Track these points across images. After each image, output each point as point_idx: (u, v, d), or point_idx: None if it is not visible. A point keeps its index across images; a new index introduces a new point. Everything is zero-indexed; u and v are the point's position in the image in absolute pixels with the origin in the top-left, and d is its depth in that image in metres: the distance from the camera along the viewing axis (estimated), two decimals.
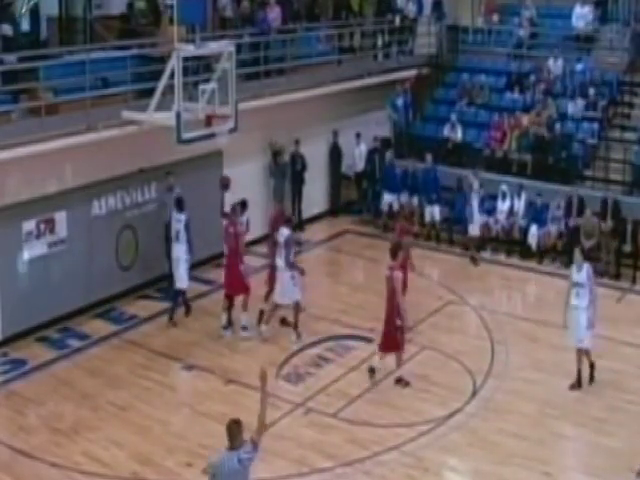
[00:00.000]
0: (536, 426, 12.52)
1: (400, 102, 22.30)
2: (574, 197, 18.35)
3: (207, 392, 13.37)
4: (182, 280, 15.80)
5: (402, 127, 22.30)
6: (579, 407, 13.12)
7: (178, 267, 15.74)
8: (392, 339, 13.55)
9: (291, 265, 14.92)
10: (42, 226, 15.06)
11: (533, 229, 18.55)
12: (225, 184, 16.42)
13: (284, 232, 15.08)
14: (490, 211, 19.15)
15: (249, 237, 16.51)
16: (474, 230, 18.80)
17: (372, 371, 13.75)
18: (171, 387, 13.59)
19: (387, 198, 20.25)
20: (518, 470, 11.51)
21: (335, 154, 21.47)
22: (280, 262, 14.99)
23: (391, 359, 13.74)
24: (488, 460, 11.74)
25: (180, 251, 15.71)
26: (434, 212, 19.79)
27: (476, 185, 18.81)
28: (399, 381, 13.66)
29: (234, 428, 8.64)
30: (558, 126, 20.24)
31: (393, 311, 13.48)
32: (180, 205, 15.70)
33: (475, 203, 18.69)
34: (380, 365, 13.78)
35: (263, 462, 11.37)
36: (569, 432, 12.46)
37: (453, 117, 21.18)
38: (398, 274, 13.57)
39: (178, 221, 15.68)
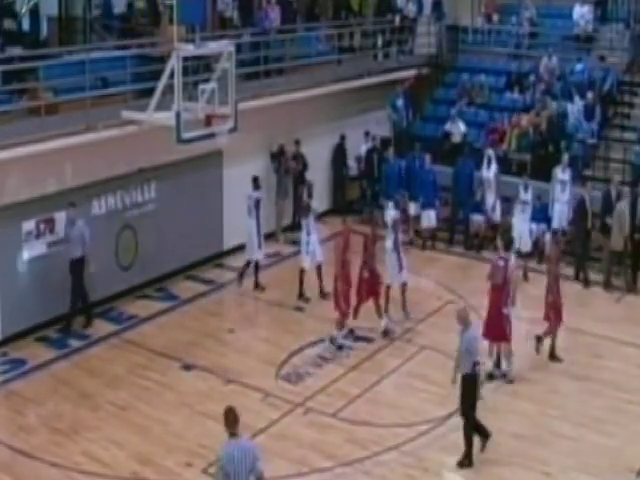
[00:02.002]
0: (536, 426, 12.54)
1: (400, 102, 22.29)
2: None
3: (207, 392, 13.36)
4: (249, 251, 16.91)
5: (402, 127, 22.30)
6: (579, 407, 13.13)
7: (248, 240, 16.81)
8: (501, 329, 13.66)
9: (398, 247, 15.68)
10: (42, 226, 15.06)
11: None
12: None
13: (391, 213, 15.91)
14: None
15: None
16: (525, 245, 18.01)
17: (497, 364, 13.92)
18: (171, 387, 13.55)
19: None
20: (518, 470, 11.52)
21: (339, 154, 21.46)
22: (389, 244, 15.68)
23: (392, 358, 13.76)
24: (488, 460, 11.72)
25: (250, 225, 16.77)
26: (430, 217, 19.44)
27: (523, 195, 18.25)
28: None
29: (232, 414, 8.77)
30: (558, 126, 20.23)
31: (501, 301, 13.56)
32: (255, 183, 17.07)
33: (521, 215, 18.12)
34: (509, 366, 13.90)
35: (263, 462, 11.52)
36: (569, 432, 12.42)
37: (453, 112, 21.21)
38: (513, 264, 13.74)
39: (249, 198, 16.91)
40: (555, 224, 18.19)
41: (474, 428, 11.72)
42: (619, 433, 12.37)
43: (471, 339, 11.74)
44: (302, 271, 16.74)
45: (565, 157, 18.69)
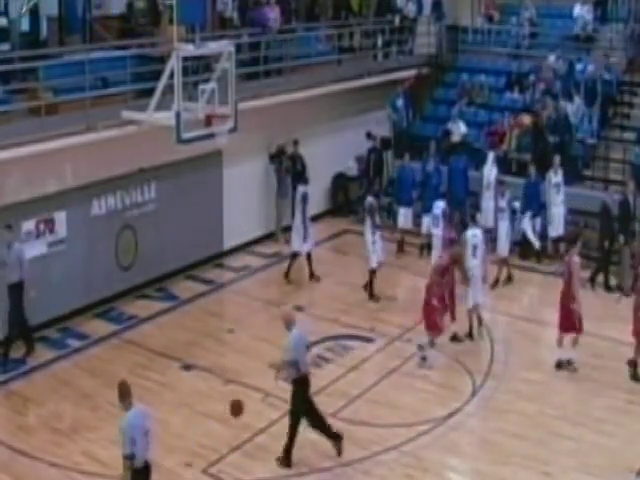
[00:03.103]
0: (536, 426, 12.53)
1: (400, 102, 22.31)
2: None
3: (206, 392, 13.38)
4: (295, 244, 17.49)
5: (402, 127, 22.29)
6: (579, 407, 13.13)
7: (294, 232, 17.52)
8: (570, 321, 13.84)
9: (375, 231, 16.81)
10: (42, 226, 15.07)
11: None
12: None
13: (369, 200, 17.04)
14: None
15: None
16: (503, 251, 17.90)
17: (569, 363, 14.05)
18: (170, 387, 13.56)
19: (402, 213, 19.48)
20: (518, 470, 11.52)
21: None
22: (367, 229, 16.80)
23: (392, 358, 13.76)
24: (488, 460, 11.76)
25: (297, 218, 17.50)
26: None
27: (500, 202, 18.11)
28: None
29: (124, 387, 9.83)
30: (556, 126, 20.21)
31: (569, 295, 13.77)
32: (303, 177, 18.24)
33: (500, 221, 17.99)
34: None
35: (263, 462, 11.58)
36: (569, 432, 12.41)
37: (454, 112, 21.20)
38: (575, 259, 13.89)
39: (297, 191, 17.69)
40: (553, 231, 18.21)
41: (321, 430, 11.72)
42: (619, 433, 12.37)
43: (296, 341, 11.58)
44: (372, 271, 16.76)
45: (557, 159, 18.63)
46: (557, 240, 18.46)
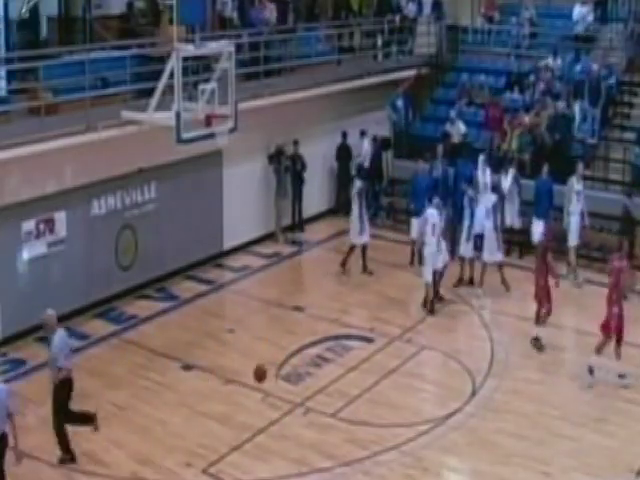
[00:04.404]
0: (535, 426, 12.52)
1: (400, 102, 22.31)
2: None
3: (206, 392, 13.38)
4: (353, 236, 17.78)
5: (402, 127, 22.29)
6: (578, 407, 13.13)
7: (352, 225, 17.80)
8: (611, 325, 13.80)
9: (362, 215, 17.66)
10: (42, 226, 15.07)
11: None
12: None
13: (358, 184, 17.88)
14: None
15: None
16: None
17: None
18: (170, 387, 13.55)
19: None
20: (517, 470, 11.51)
21: (343, 154, 21.42)
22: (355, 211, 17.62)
23: (391, 358, 13.73)
24: (487, 460, 11.74)
25: (354, 211, 17.71)
26: None
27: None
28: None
29: None
30: (557, 126, 20.21)
31: (610, 299, 13.76)
32: (360, 173, 18.81)
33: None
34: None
35: (263, 462, 11.62)
36: (569, 432, 12.40)
37: (452, 114, 21.10)
38: (622, 264, 13.99)
39: (354, 186, 17.92)
40: (572, 240, 17.78)
41: (77, 422, 11.78)
42: (619, 433, 12.36)
43: (57, 344, 11.56)
44: (440, 274, 16.64)
45: (580, 167, 18.28)
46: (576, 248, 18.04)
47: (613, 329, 13.75)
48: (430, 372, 14.06)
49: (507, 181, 18.44)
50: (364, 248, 17.87)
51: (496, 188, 17.80)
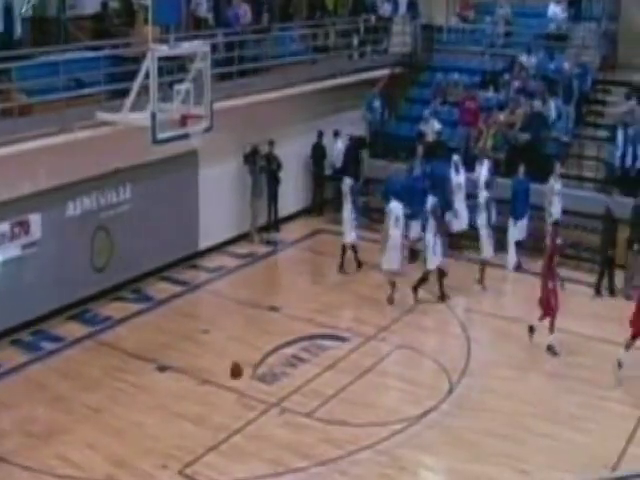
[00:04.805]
0: (511, 424, 12.56)
1: (377, 103, 22.34)
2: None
3: (181, 393, 13.33)
4: (345, 235, 17.80)
5: (377, 127, 22.31)
6: (554, 404, 13.19)
7: (343, 224, 17.88)
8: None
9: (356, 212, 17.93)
10: (16, 229, 14.96)
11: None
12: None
13: (347, 182, 17.95)
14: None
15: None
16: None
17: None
18: (145, 388, 13.49)
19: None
20: (494, 468, 11.54)
21: (318, 153, 21.44)
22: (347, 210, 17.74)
23: (367, 357, 13.74)
24: (463, 458, 11.77)
25: (345, 209, 17.77)
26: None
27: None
28: None
29: None
30: (531, 124, 20.28)
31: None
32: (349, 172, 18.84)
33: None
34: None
35: (238, 462, 11.59)
36: (544, 429, 12.45)
37: (426, 112, 21.13)
38: None
39: (345, 184, 17.92)
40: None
41: None
42: (595, 430, 12.43)
43: None
44: (345, 246, 17.20)
45: (558, 166, 18.48)
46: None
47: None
48: (406, 371, 14.05)
49: (484, 171, 18.51)
50: (353, 246, 17.92)
51: (489, 185, 17.88)
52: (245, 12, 19.57)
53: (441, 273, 16.69)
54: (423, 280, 16.60)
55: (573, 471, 11.47)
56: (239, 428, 12.33)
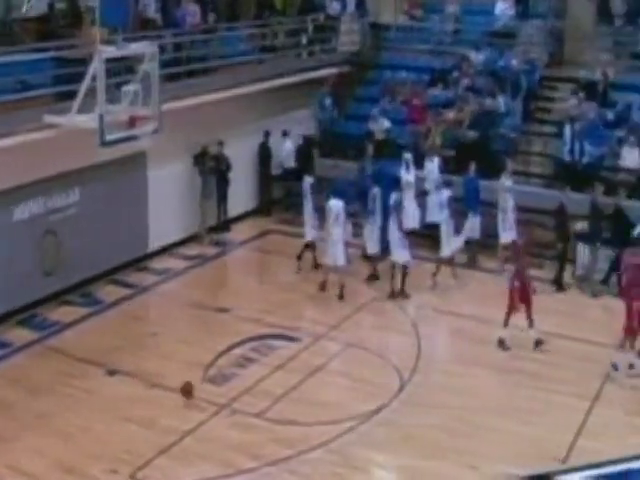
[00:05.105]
0: (461, 419, 12.63)
1: (328, 101, 22.36)
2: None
3: (131, 397, 13.21)
4: (306, 234, 17.81)
5: (328, 126, 22.31)
6: (504, 398, 13.28)
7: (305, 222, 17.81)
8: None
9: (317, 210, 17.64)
10: None
11: None
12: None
13: (308, 179, 17.81)
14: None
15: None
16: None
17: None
18: (94, 393, 13.35)
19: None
20: (444, 464, 11.61)
21: (264, 154, 21.37)
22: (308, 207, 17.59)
23: (316, 356, 13.73)
24: (414, 455, 11.82)
25: (306, 208, 17.79)
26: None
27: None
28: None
29: None
30: (480, 121, 20.43)
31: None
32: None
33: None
34: None
35: (189, 465, 11.54)
36: (494, 424, 12.52)
37: (374, 111, 21.15)
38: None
39: (305, 183, 17.86)
40: (507, 236, 17.74)
41: None
42: (542, 422, 12.54)
43: None
44: (307, 245, 17.45)
45: (509, 163, 18.58)
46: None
47: None
48: (356, 369, 14.05)
49: (434, 167, 18.61)
50: (313, 244, 17.93)
51: (449, 183, 17.96)
52: (194, 12, 19.57)
53: (405, 269, 16.77)
54: (403, 277, 16.79)
55: (523, 464, 11.53)
56: (189, 430, 12.25)
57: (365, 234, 17.67)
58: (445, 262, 17.52)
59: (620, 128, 19.87)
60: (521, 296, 14.76)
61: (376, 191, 17.44)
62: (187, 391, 12.94)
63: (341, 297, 16.59)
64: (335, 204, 16.71)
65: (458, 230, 17.72)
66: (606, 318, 15.88)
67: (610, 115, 20.39)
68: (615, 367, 13.92)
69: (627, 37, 22.90)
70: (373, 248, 17.57)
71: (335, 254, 16.63)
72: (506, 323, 14.81)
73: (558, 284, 17.29)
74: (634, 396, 13.35)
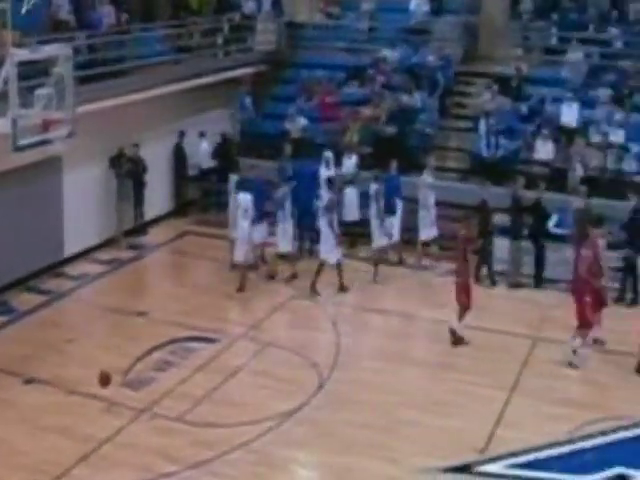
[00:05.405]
0: (381, 414, 12.70)
1: (248, 101, 22.31)
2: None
3: (48, 405, 12.98)
4: (230, 231, 17.65)
5: (248, 126, 22.27)
6: (422, 392, 13.40)
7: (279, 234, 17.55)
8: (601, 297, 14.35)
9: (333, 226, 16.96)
10: None
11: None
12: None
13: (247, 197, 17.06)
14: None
15: None
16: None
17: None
18: (11, 403, 13.07)
19: None
20: (364, 459, 11.66)
21: (179, 155, 21.24)
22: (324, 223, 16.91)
23: (236, 357, 13.65)
24: (335, 451, 11.85)
25: (231, 206, 17.67)
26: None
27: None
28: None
29: None
30: (396, 118, 20.58)
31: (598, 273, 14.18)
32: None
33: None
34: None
35: (108, 472, 11.40)
36: (414, 417, 12.62)
37: (291, 110, 21.18)
38: (600, 241, 14.38)
39: (231, 181, 17.76)
40: (431, 233, 18.16)
41: None
42: (462, 414, 12.68)
43: None
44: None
45: (431, 160, 18.75)
46: (430, 242, 18.48)
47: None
48: (275, 368, 14.03)
49: (352, 167, 18.75)
50: (282, 255, 17.80)
51: (378, 178, 17.98)
52: (109, 13, 19.37)
53: (339, 266, 16.85)
54: (318, 273, 16.81)
55: (442, 456, 11.61)
56: (108, 437, 12.11)
57: (277, 233, 17.61)
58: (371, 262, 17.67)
59: (534, 121, 20.22)
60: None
61: (286, 189, 17.44)
62: (104, 381, 12.82)
63: (240, 289, 16.75)
64: (244, 198, 16.81)
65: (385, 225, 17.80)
66: (522, 310, 16.20)
67: (524, 109, 20.79)
68: (574, 353, 14.19)
69: (539, 32, 23.36)
70: (285, 247, 17.57)
71: (239, 249, 16.89)
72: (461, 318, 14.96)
73: (476, 278, 17.48)
74: (550, 384, 13.57)
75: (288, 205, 17.44)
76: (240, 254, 16.96)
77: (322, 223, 16.84)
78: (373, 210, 17.71)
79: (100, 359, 14.02)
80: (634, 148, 18.97)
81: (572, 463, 11.64)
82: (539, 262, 17.40)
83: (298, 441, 12.16)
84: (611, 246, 15.66)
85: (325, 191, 17.67)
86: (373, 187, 17.71)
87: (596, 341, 14.67)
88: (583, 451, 11.87)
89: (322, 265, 16.85)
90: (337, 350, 14.65)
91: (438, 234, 18.24)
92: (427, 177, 18.30)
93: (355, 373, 13.97)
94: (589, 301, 14.17)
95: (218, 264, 18.04)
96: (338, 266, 16.86)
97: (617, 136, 19.26)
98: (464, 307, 14.83)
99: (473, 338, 14.84)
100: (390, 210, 17.98)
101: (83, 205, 18.21)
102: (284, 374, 13.82)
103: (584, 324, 14.18)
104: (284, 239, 17.49)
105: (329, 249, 16.73)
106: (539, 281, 17.34)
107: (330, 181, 17.62)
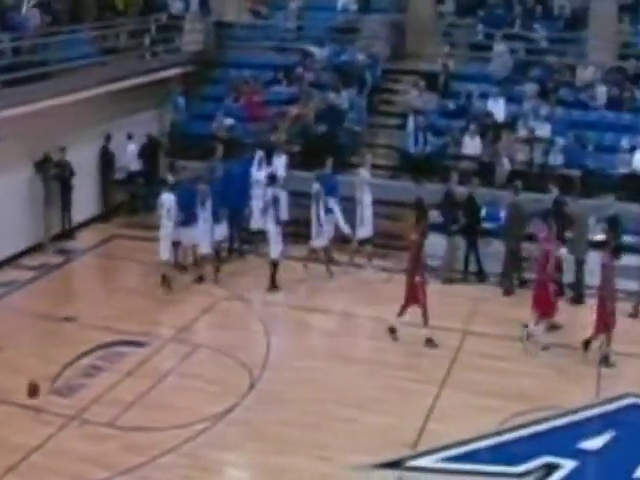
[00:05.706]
0: (313, 412, 12.73)
1: (181, 101, 22.17)
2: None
3: None
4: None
5: (177, 126, 22.13)
6: (354, 389, 13.44)
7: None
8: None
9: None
10: None
11: None
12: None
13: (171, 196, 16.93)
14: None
15: None
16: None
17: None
18: None
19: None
20: (296, 458, 11.68)
21: (106, 158, 21.00)
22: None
23: (166, 360, 13.56)
24: (267, 451, 11.85)
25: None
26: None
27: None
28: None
29: None
30: (325, 116, 20.63)
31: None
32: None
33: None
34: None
35: None
36: (346, 414, 12.67)
37: (218, 112, 21.05)
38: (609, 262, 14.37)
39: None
40: (363, 232, 18.07)
41: None
42: (393, 410, 12.78)
43: None
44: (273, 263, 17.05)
45: (369, 157, 18.74)
46: (365, 241, 18.37)
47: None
48: (206, 370, 13.96)
49: (282, 166, 18.76)
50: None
51: (319, 178, 17.87)
52: (34, 15, 19.08)
53: (274, 265, 16.92)
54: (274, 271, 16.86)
55: (374, 453, 11.70)
56: (38, 445, 11.93)
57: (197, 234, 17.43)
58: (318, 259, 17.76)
59: (462, 117, 20.42)
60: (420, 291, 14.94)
61: (205, 188, 17.26)
62: (33, 391, 12.70)
63: (163, 282, 16.85)
64: (167, 197, 16.80)
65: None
66: (452, 304, 16.35)
67: (451, 105, 21.00)
68: (528, 334, 14.62)
69: (466, 29, 23.62)
70: (205, 248, 17.43)
71: (162, 248, 16.92)
72: (401, 314, 15.02)
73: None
74: (479, 378, 13.71)
75: (208, 205, 17.21)
76: (165, 253, 16.96)
77: (268, 221, 16.98)
78: (313, 209, 17.65)
79: (28, 367, 13.81)
80: (560, 142, 19.24)
81: (502, 454, 11.85)
82: (476, 257, 17.62)
83: (230, 443, 12.15)
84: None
85: (261, 188, 17.70)
86: (315, 187, 17.68)
87: (553, 326, 15.04)
88: (512, 442, 12.09)
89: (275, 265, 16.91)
90: (268, 350, 14.66)
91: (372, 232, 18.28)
92: (365, 174, 18.35)
93: (287, 372, 13.99)
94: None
95: (146, 267, 17.85)
96: (275, 264, 16.82)
97: (543, 130, 19.56)
98: (423, 305, 14.89)
99: (405, 334, 14.93)
100: (328, 209, 17.97)
101: (9, 210, 17.89)
102: (215, 376, 13.76)
103: (546, 312, 14.66)
104: (204, 240, 17.32)
105: (278, 247, 16.90)
106: (484, 276, 17.65)
107: (271, 177, 17.69)
